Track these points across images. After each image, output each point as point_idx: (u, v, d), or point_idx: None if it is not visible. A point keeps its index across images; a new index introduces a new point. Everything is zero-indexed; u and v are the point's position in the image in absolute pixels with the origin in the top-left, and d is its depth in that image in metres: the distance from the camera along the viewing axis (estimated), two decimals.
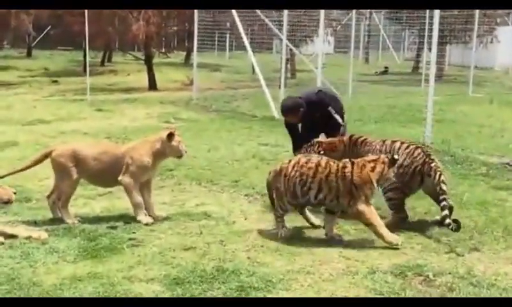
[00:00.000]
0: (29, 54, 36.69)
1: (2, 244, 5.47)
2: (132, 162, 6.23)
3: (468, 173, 8.69)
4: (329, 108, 7.23)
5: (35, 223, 6.20)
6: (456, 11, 23.17)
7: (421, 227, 6.24)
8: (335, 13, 28.02)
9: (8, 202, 5.88)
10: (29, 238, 5.63)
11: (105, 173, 6.31)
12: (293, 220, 6.40)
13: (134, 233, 5.92)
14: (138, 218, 6.23)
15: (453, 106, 16.23)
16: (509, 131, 12.44)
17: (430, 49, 14.53)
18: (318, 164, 5.72)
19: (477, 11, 20.65)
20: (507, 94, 20.32)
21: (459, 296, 4.65)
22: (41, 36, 38.41)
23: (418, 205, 6.93)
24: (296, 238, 5.86)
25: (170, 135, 6.34)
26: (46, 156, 6.35)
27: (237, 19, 15.97)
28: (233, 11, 15.96)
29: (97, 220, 6.30)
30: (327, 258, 5.35)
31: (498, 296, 4.68)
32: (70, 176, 6.21)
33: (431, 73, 10.56)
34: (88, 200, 7.06)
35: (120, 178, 6.24)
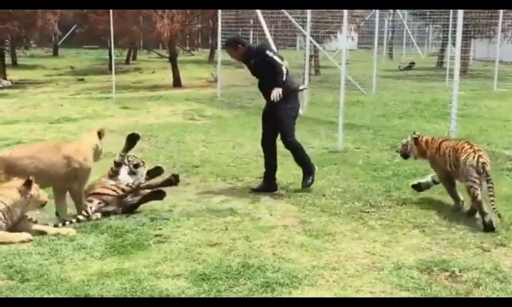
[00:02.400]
0: (55, 53, 37.19)
1: (31, 240, 5.58)
2: (80, 168, 6.27)
3: (494, 167, 8.60)
4: (267, 51, 7.33)
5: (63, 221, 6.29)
6: None
7: (447, 223, 6.22)
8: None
9: (44, 205, 6.05)
10: (57, 234, 5.74)
11: (43, 175, 6.13)
12: (317, 215, 6.43)
13: (160, 229, 5.98)
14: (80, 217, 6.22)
15: (478, 101, 16.08)
16: None
17: (454, 44, 14.41)
18: None
19: None
20: None
21: (485, 292, 4.63)
22: (67, 35, 38.82)
23: (446, 200, 6.91)
24: (321, 233, 5.88)
25: (100, 134, 6.53)
26: None
27: (260, 16, 15.96)
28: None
29: (124, 217, 6.37)
30: (352, 254, 5.36)
31: None
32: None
33: (455, 68, 10.47)
34: None
35: (68, 185, 6.26)
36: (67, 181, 6.29)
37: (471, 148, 6.44)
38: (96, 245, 5.53)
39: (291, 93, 7.39)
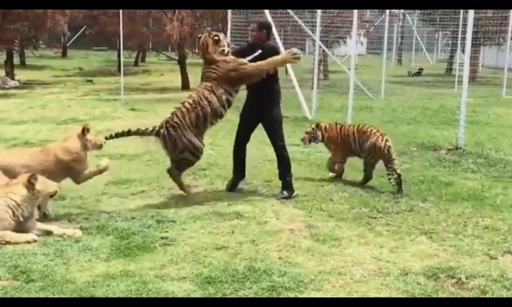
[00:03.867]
0: (64, 54, 37.28)
1: (36, 241, 5.59)
2: (73, 161, 6.47)
3: (502, 175, 8.59)
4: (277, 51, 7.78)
5: (69, 221, 6.30)
6: (489, 13, 22.89)
7: (454, 229, 6.19)
8: (368, 14, 27.84)
9: (54, 195, 6.07)
10: (63, 235, 5.75)
11: None
12: (324, 219, 6.42)
13: (166, 232, 5.98)
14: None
15: (486, 108, 16.03)
16: None
17: (463, 51, 14.36)
18: None
19: (511, 12, 20.35)
20: None
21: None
22: (76, 36, 38.97)
23: (451, 207, 6.88)
24: (327, 238, 5.86)
25: (83, 130, 6.62)
26: None
27: (270, 19, 15.95)
28: (266, 11, 15.98)
29: (130, 218, 6.37)
30: (358, 259, 5.34)
31: None
32: None
33: (464, 75, 10.44)
34: (122, 199, 7.15)
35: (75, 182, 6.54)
36: (65, 177, 6.46)
37: (378, 131, 7.96)
38: (102, 246, 5.52)
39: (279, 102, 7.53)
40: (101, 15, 23.76)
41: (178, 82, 21.18)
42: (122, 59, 19.27)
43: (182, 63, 21.28)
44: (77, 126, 7.08)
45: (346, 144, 8.19)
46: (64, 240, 5.64)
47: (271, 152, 9.79)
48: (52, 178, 6.13)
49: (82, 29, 35.98)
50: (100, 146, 6.83)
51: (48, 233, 5.77)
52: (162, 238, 5.79)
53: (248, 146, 7.83)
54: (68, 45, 38.20)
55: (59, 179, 6.37)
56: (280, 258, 5.35)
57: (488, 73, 28.18)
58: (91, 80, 23.24)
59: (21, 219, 5.67)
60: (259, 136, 9.57)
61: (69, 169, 6.49)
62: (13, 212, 5.62)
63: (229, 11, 17.53)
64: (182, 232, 5.98)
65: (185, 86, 20.79)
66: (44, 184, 5.87)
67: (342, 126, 8.49)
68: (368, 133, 7.98)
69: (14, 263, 5.07)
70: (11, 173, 6.10)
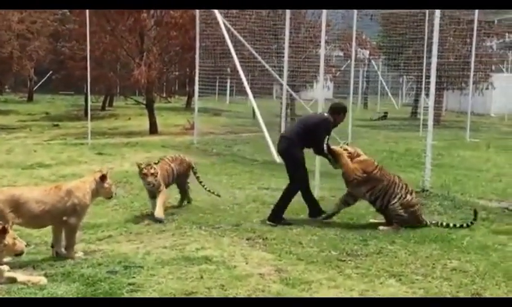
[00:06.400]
0: (30, 99, 36.95)
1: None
2: (78, 203, 6.44)
3: (468, 217, 8.68)
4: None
5: (33, 268, 6.16)
6: (452, 58, 23.52)
7: (423, 272, 6.22)
8: (334, 59, 28.36)
9: (20, 254, 5.89)
10: (27, 282, 5.59)
11: (46, 215, 6.35)
12: (294, 263, 6.38)
13: (133, 277, 5.87)
14: (69, 255, 6.42)
15: (451, 151, 16.30)
16: (507, 175, 12.50)
17: (427, 95, 14.67)
18: None
19: (472, 58, 20.95)
20: (504, 139, 20.61)
21: None
22: (43, 80, 38.73)
23: (419, 250, 6.92)
24: (297, 282, 5.82)
25: (103, 177, 6.68)
26: None
27: (237, 64, 16.14)
28: (234, 56, 16.16)
29: (97, 265, 6.24)
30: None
31: None
32: (5, 221, 6.00)
33: (429, 119, 10.63)
34: (88, 244, 7.02)
35: (65, 218, 6.38)
36: (65, 215, 6.41)
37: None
38: (67, 294, 5.39)
39: None
40: (68, 59, 23.72)
41: (145, 126, 21.12)
42: (89, 103, 19.16)
43: (149, 107, 21.27)
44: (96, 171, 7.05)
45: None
46: (29, 288, 5.48)
47: (240, 195, 9.83)
48: (56, 219, 6.32)
49: (49, 73, 35.81)
50: (111, 196, 6.98)
51: (12, 280, 5.61)
52: (130, 284, 5.67)
53: (217, 189, 7.84)
54: (34, 89, 37.90)
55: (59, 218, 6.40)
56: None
57: (452, 116, 28.77)
58: (57, 125, 23.02)
59: None
60: (228, 180, 9.57)
61: (73, 208, 6.43)
62: None
63: (197, 56, 17.68)
64: (149, 278, 5.88)
65: (153, 130, 20.75)
66: (13, 240, 5.72)
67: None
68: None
69: None
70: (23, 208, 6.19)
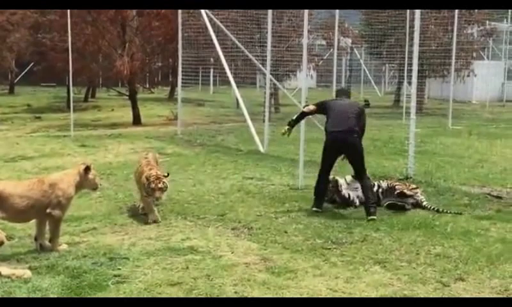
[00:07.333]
0: (11, 91, 36.56)
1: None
2: (62, 195, 6.42)
3: (451, 203, 8.78)
4: None
5: (17, 261, 6.12)
6: (433, 46, 23.64)
7: (407, 258, 6.27)
8: (317, 48, 28.37)
9: (0, 245, 5.85)
10: (11, 276, 5.55)
11: (31, 210, 6.30)
12: (279, 252, 6.41)
13: (119, 269, 5.86)
14: (54, 248, 6.39)
15: (434, 138, 16.44)
16: (488, 161, 12.67)
17: (410, 83, 14.73)
18: None
19: (454, 46, 21.07)
20: (485, 126, 20.83)
21: None
22: (24, 72, 38.35)
23: (403, 236, 6.98)
24: (283, 271, 5.85)
25: (87, 169, 6.68)
26: None
27: (221, 54, 16.11)
28: (217, 46, 16.12)
29: (81, 257, 6.22)
30: (314, 291, 5.34)
31: None
32: None
33: (411, 106, 10.69)
34: (72, 236, 6.99)
35: (49, 210, 6.34)
36: (49, 207, 6.36)
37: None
38: (52, 287, 5.36)
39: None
40: (49, 51, 23.49)
41: (129, 117, 21.02)
42: (72, 95, 19.01)
43: (132, 98, 21.16)
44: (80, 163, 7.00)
45: None
46: (13, 282, 5.44)
47: (225, 185, 9.83)
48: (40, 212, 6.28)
49: (30, 65, 35.46)
50: (96, 188, 6.96)
51: None
52: (115, 275, 5.66)
53: (202, 179, 7.82)
54: (15, 81, 37.52)
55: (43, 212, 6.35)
56: (235, 292, 5.30)
57: (434, 104, 28.95)
58: (39, 117, 22.81)
59: None
60: (212, 170, 9.55)
61: (57, 201, 6.39)
62: None
63: (179, 47, 17.60)
64: (135, 269, 5.88)
65: (137, 121, 20.66)
66: None
67: None
68: None
69: None
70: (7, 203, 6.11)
